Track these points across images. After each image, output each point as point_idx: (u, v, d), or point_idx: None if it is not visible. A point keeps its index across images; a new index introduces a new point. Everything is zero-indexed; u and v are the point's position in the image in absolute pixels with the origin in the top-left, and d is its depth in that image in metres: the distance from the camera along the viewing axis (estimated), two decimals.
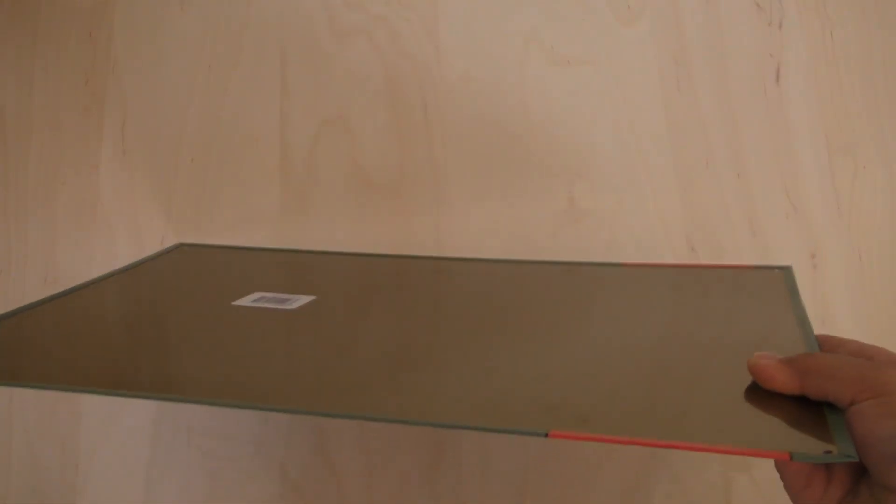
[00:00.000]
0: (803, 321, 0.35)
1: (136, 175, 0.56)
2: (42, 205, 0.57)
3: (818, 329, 0.34)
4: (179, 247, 0.53)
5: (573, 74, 0.54)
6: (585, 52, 0.54)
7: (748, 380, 0.30)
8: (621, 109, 0.53)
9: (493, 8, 0.55)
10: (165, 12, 0.58)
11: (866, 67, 0.52)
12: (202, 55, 0.57)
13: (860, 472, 0.28)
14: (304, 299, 0.41)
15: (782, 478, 0.29)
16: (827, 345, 0.32)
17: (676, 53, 0.53)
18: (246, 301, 0.41)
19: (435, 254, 0.51)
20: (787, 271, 0.42)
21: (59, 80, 0.59)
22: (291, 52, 0.56)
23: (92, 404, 0.53)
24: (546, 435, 0.26)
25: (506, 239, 0.51)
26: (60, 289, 0.44)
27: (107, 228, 0.56)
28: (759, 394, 0.29)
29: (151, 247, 0.54)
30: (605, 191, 0.52)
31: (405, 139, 0.54)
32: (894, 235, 0.50)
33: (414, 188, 0.53)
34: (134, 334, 0.40)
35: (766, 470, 0.46)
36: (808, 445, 0.25)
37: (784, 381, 0.28)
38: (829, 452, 0.24)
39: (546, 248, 0.51)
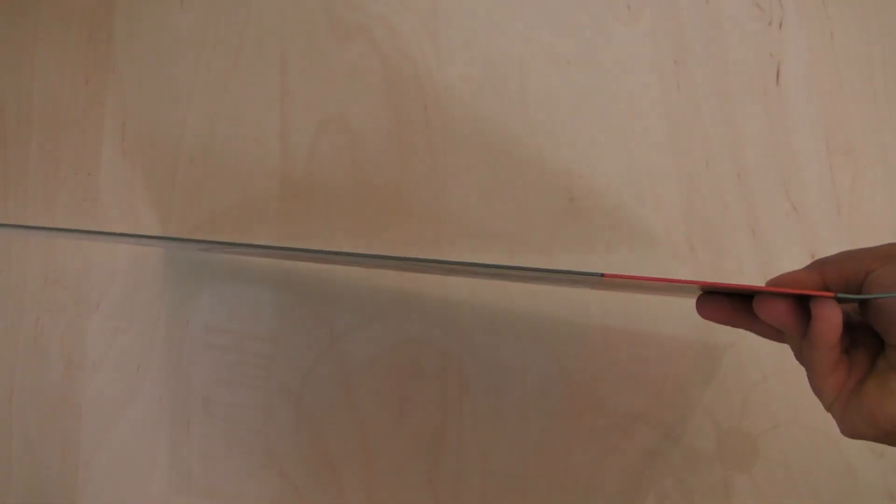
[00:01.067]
0: None
1: (136, 175, 0.56)
2: (42, 205, 0.57)
3: None
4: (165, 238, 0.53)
5: (573, 74, 0.54)
6: (585, 52, 0.54)
7: None
8: (621, 109, 0.53)
9: (493, 8, 0.55)
10: (165, 12, 0.58)
11: (866, 67, 0.52)
12: (202, 55, 0.57)
13: (877, 352, 0.29)
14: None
15: (809, 367, 0.30)
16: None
17: (676, 53, 0.53)
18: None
19: (436, 257, 0.51)
20: None
21: (59, 80, 0.59)
22: (291, 52, 0.56)
23: (92, 405, 0.53)
24: (601, 275, 0.27)
25: (506, 239, 0.51)
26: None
27: (107, 228, 0.56)
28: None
29: (151, 246, 0.54)
30: (605, 191, 0.52)
31: (405, 139, 0.54)
32: (894, 235, 0.50)
33: (414, 188, 0.53)
34: None
35: (766, 470, 0.46)
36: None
37: (805, 276, 0.30)
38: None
39: (546, 248, 0.51)
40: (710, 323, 0.48)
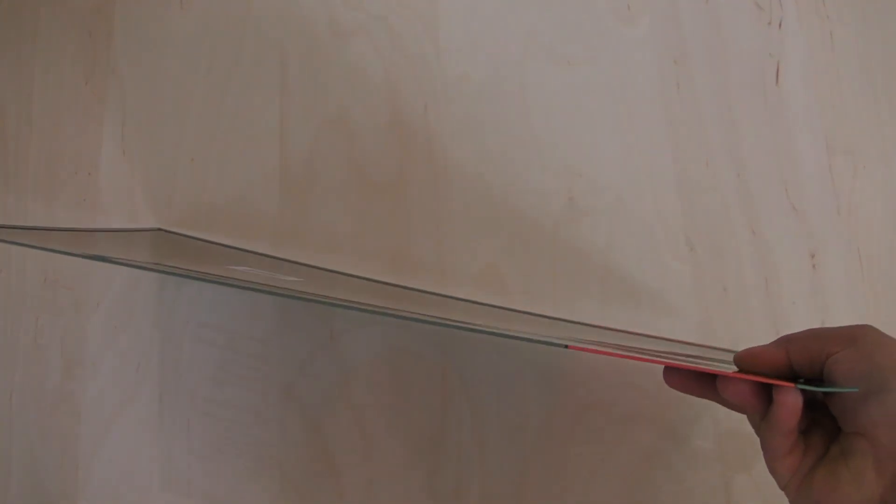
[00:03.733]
0: None
1: (136, 175, 0.56)
2: (42, 205, 0.57)
3: None
4: (157, 231, 0.53)
5: (573, 74, 0.54)
6: (585, 52, 0.54)
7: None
8: (621, 109, 0.53)
9: (493, 8, 0.55)
10: (165, 12, 0.58)
11: (866, 67, 0.52)
12: (202, 55, 0.57)
13: (832, 436, 0.30)
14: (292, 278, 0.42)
15: (765, 448, 0.31)
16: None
17: (676, 53, 0.53)
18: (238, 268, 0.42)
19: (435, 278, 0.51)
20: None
21: (59, 80, 0.59)
22: (291, 52, 0.56)
23: (92, 404, 0.53)
24: (566, 347, 0.28)
25: (506, 239, 0.51)
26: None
27: (107, 229, 0.56)
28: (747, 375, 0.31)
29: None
30: (605, 191, 0.52)
31: (405, 139, 0.54)
32: (894, 235, 0.50)
33: (414, 188, 0.53)
34: None
35: (765, 470, 0.46)
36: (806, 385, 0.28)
37: (771, 352, 0.31)
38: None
39: (546, 248, 0.51)
40: (712, 324, 0.48)
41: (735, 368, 0.32)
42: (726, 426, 0.47)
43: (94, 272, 0.55)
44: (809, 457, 0.30)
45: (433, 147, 0.53)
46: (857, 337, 0.29)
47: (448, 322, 0.30)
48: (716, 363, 0.34)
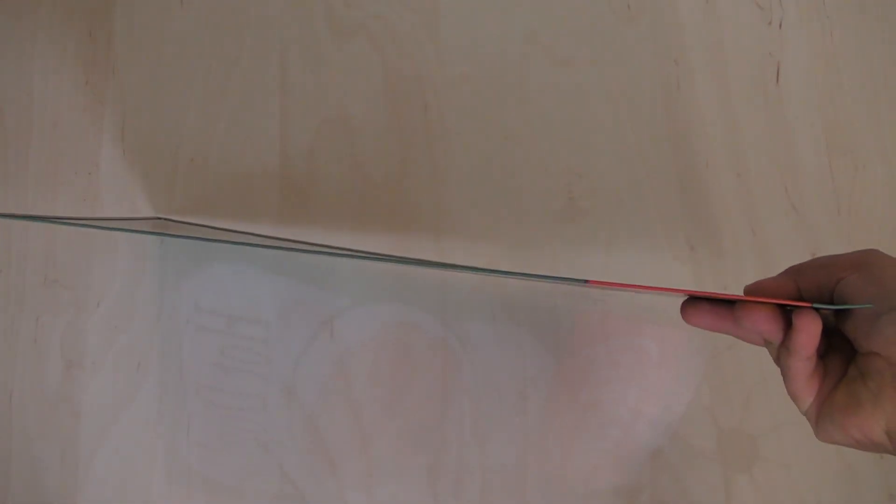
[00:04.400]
0: None
1: (136, 175, 0.56)
2: (42, 205, 0.57)
3: None
4: (158, 219, 0.53)
5: (573, 74, 0.54)
6: (585, 52, 0.54)
7: None
8: (621, 109, 0.53)
9: (493, 8, 0.55)
10: (165, 12, 0.58)
11: (866, 67, 0.52)
12: (202, 55, 0.57)
13: (850, 358, 0.30)
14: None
15: (786, 375, 0.31)
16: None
17: (676, 53, 0.53)
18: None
19: (434, 258, 0.51)
20: None
21: (59, 80, 0.59)
22: (291, 52, 0.56)
23: (92, 404, 0.53)
24: (585, 282, 0.28)
25: (506, 239, 0.51)
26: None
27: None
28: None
29: (151, 246, 0.54)
30: (605, 191, 0.52)
31: (405, 139, 0.54)
32: (894, 235, 0.50)
33: (414, 188, 0.53)
34: None
35: (766, 470, 0.46)
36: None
37: (780, 283, 0.32)
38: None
39: (546, 248, 0.51)
40: None
41: None
42: (726, 426, 0.47)
43: (94, 271, 0.55)
44: (830, 379, 0.31)
45: (433, 147, 0.53)
46: (865, 261, 0.29)
47: (451, 265, 0.31)
48: None
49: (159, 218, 0.54)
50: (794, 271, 0.32)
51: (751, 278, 0.49)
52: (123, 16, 0.59)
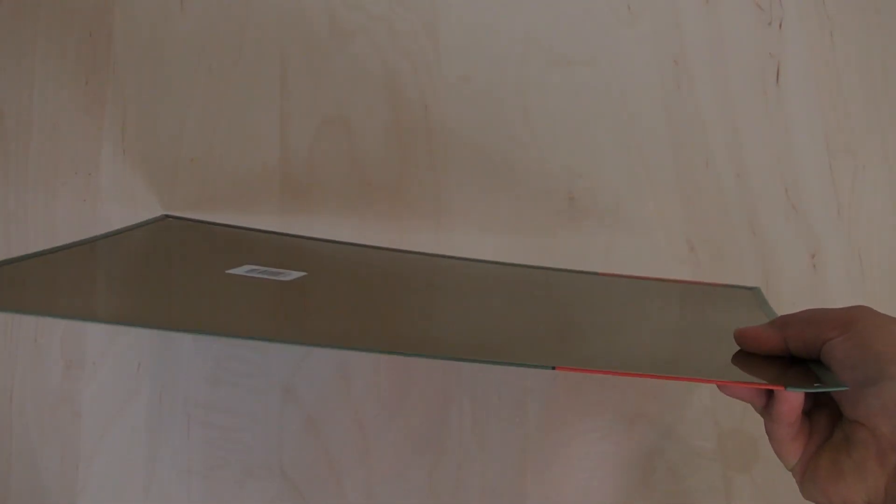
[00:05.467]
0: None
1: (136, 175, 0.56)
2: (42, 205, 0.57)
3: None
4: (164, 218, 0.53)
5: (573, 74, 0.54)
6: (585, 52, 0.54)
7: (733, 353, 0.32)
8: (621, 109, 0.53)
9: (493, 8, 0.55)
10: (165, 12, 0.58)
11: (866, 67, 0.52)
12: (202, 55, 0.57)
13: (835, 421, 0.30)
14: (296, 274, 0.42)
15: (771, 436, 0.32)
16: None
17: (676, 53, 0.53)
18: (239, 271, 0.42)
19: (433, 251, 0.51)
20: (755, 292, 0.45)
21: (59, 80, 0.59)
22: (291, 52, 0.56)
23: (92, 404, 0.53)
24: (553, 368, 0.28)
25: (505, 239, 0.51)
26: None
27: (107, 228, 0.56)
28: (747, 358, 0.32)
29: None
30: (605, 191, 0.52)
31: (405, 139, 0.54)
32: (894, 235, 0.50)
33: (414, 188, 0.53)
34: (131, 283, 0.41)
35: (766, 470, 0.46)
36: (799, 383, 0.28)
37: (768, 336, 0.31)
38: (818, 385, 0.27)
39: (546, 248, 0.51)
40: None
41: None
42: (726, 426, 0.47)
43: None
44: (815, 438, 0.30)
45: (433, 147, 0.53)
46: (853, 321, 0.29)
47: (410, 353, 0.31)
48: (721, 306, 0.35)
49: (165, 216, 0.54)
50: (782, 323, 0.32)
51: (751, 279, 0.49)
52: (123, 16, 0.59)
